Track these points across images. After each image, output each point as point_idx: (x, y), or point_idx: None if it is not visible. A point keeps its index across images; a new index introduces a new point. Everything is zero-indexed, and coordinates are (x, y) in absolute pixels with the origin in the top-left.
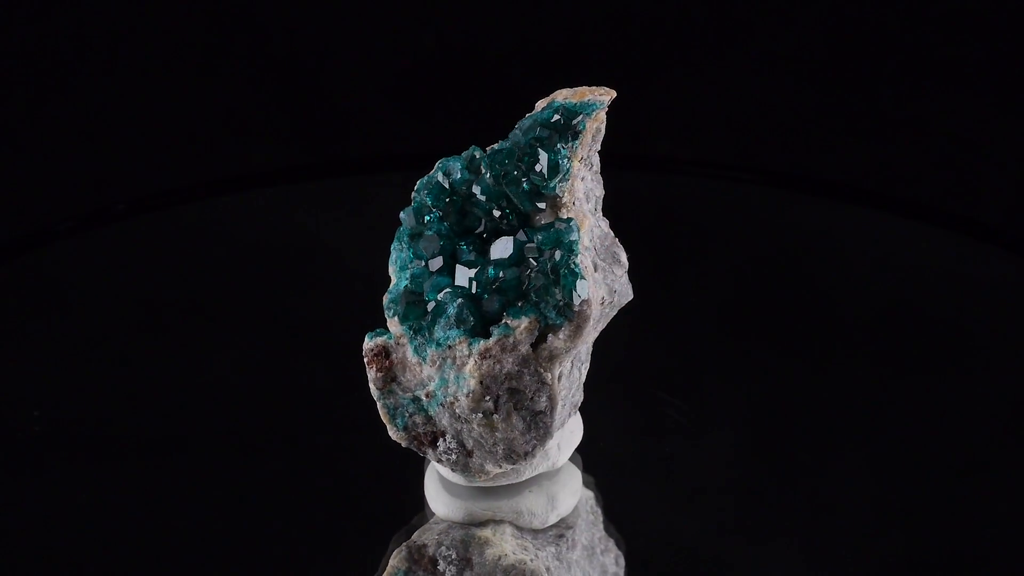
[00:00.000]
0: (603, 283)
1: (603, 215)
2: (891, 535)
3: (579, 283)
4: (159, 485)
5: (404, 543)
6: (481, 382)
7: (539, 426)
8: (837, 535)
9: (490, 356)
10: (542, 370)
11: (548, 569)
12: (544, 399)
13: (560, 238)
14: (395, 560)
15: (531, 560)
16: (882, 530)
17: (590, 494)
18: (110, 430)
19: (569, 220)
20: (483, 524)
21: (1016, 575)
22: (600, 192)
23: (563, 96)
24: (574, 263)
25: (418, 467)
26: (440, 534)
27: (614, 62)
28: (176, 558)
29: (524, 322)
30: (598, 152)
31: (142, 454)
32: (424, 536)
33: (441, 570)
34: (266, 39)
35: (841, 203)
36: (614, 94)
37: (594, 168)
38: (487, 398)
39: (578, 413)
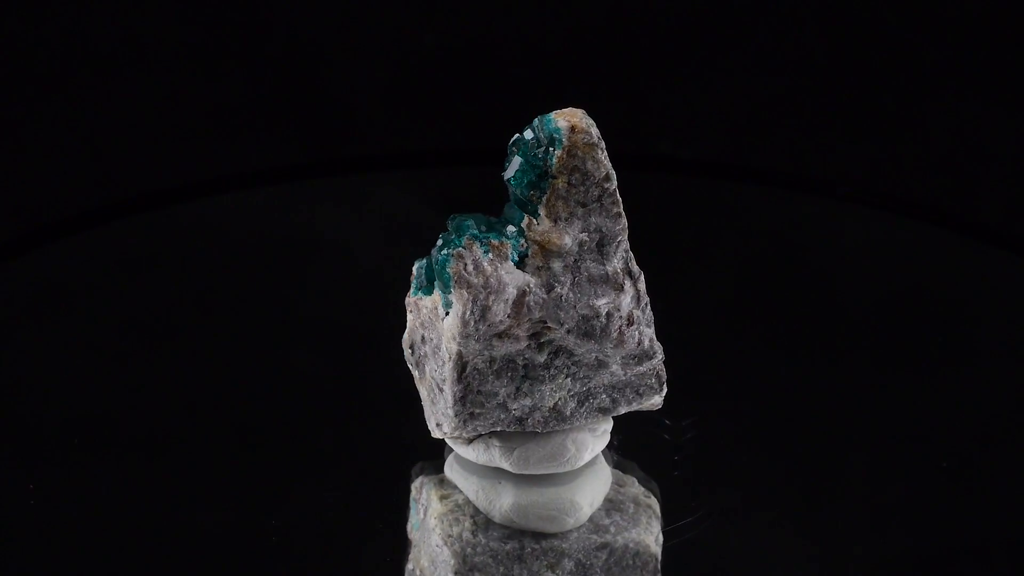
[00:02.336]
0: (541, 294)
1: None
2: (891, 534)
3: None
4: (161, 484)
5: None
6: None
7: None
8: (837, 534)
9: (411, 310)
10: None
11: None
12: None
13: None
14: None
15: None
16: (882, 529)
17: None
18: (110, 430)
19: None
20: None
21: (1016, 575)
22: (613, 230)
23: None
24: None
25: (422, 463)
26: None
27: (614, 62)
28: (176, 559)
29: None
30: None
31: (143, 453)
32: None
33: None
34: (266, 39)
35: (841, 203)
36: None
37: (604, 208)
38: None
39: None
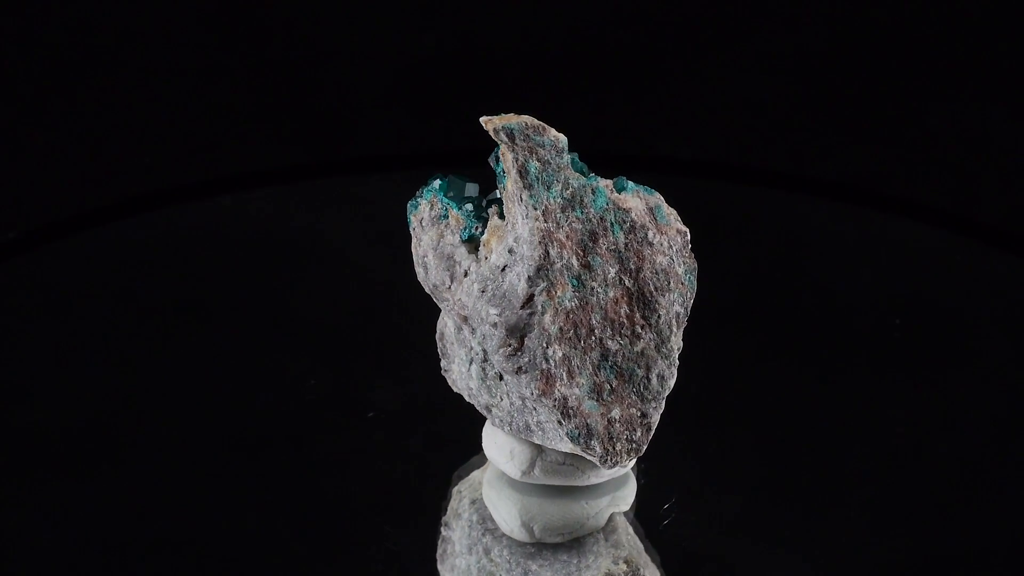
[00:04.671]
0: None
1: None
2: (891, 534)
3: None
4: (160, 485)
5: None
6: None
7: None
8: (838, 534)
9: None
10: None
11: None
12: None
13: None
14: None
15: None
16: (882, 529)
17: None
18: (110, 430)
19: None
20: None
21: (1017, 575)
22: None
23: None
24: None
25: (419, 466)
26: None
27: (614, 62)
28: (176, 559)
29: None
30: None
31: (143, 453)
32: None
33: None
34: (266, 39)
35: (841, 203)
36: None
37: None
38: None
39: None
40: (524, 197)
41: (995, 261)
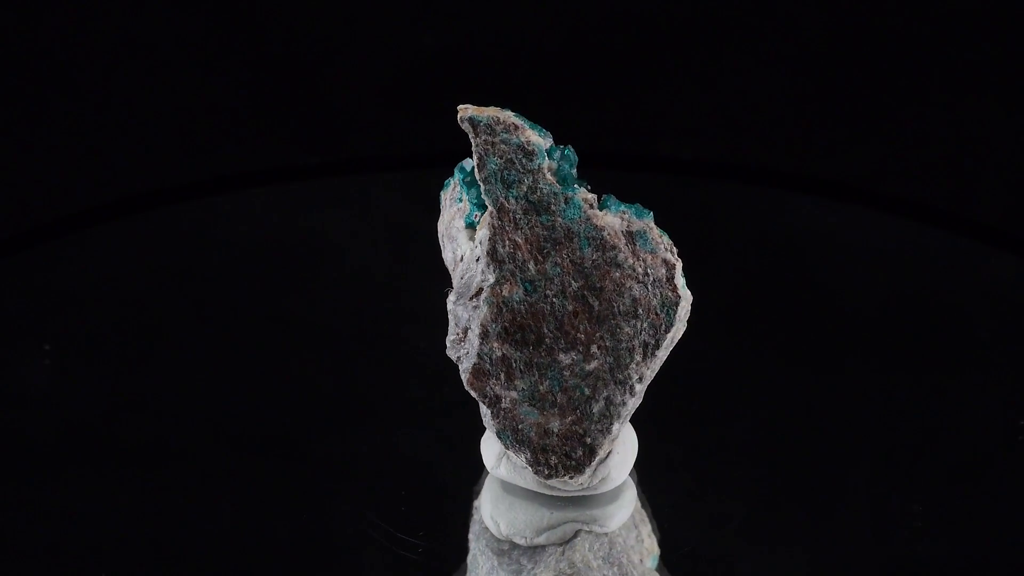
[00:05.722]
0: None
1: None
2: (891, 534)
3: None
4: (160, 485)
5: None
6: None
7: None
8: (837, 535)
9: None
10: None
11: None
12: None
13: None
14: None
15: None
16: (881, 530)
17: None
18: (110, 430)
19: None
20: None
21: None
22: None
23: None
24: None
25: (420, 467)
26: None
27: (614, 62)
28: (176, 560)
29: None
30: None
31: (142, 454)
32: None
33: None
34: (266, 39)
35: (841, 203)
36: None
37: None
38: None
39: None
40: (481, 189)
41: (995, 261)
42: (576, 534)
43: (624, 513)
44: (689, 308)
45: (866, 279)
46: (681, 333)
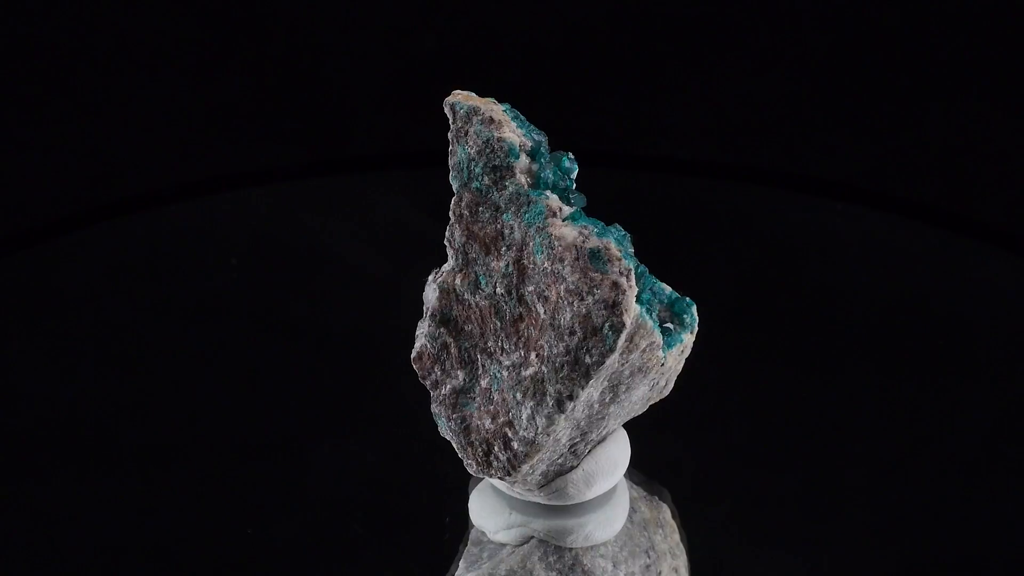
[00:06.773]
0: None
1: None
2: (890, 535)
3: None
4: (159, 486)
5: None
6: None
7: None
8: (836, 535)
9: None
10: None
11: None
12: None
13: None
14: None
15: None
16: (880, 529)
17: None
18: (110, 430)
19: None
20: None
21: (1017, 575)
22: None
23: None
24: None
25: (420, 468)
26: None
27: (614, 62)
28: (175, 561)
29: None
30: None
31: (142, 454)
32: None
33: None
34: (266, 39)
35: (840, 202)
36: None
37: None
38: None
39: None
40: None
41: (994, 261)
42: (528, 540)
43: (582, 531)
44: (656, 342)
45: (866, 279)
46: (651, 364)
